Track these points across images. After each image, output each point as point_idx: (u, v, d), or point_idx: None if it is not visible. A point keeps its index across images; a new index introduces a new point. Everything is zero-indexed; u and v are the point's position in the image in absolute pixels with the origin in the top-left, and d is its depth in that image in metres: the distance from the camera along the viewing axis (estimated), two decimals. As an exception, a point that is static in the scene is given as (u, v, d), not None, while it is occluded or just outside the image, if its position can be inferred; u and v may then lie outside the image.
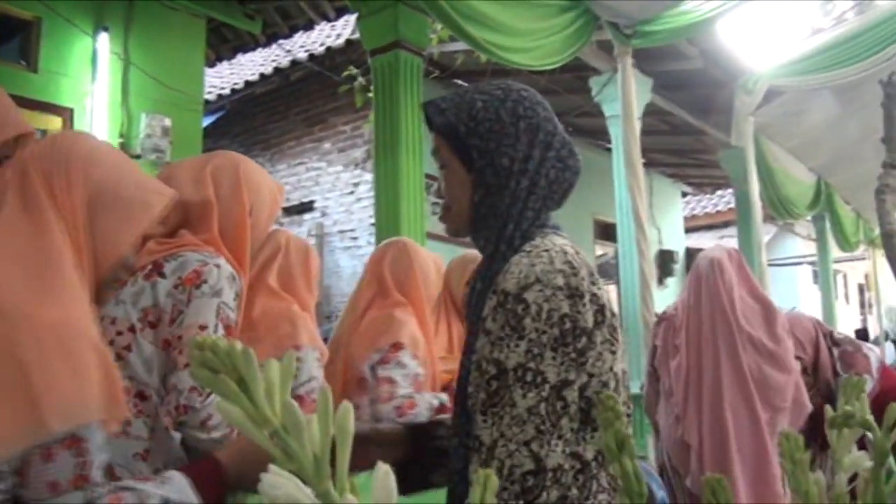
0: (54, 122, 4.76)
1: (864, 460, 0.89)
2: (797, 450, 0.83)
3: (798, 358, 3.24)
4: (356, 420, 1.80)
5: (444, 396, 2.83)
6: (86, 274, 1.52)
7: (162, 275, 1.81)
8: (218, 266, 1.88)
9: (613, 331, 1.42)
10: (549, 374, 1.33)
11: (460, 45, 6.60)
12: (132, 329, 1.75)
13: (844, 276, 18.77)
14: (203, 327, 1.79)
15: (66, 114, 4.81)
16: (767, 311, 3.34)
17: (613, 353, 1.41)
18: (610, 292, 1.52)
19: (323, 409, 0.50)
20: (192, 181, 2.05)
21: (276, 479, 0.48)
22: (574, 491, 1.35)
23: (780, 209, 8.00)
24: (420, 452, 1.67)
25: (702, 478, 0.74)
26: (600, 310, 1.40)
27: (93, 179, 1.55)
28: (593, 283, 1.41)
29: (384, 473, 0.50)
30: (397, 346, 2.88)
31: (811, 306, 11.98)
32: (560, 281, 1.36)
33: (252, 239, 2.11)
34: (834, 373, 3.30)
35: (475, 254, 3.12)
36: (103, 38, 4.94)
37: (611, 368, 1.40)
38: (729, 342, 3.23)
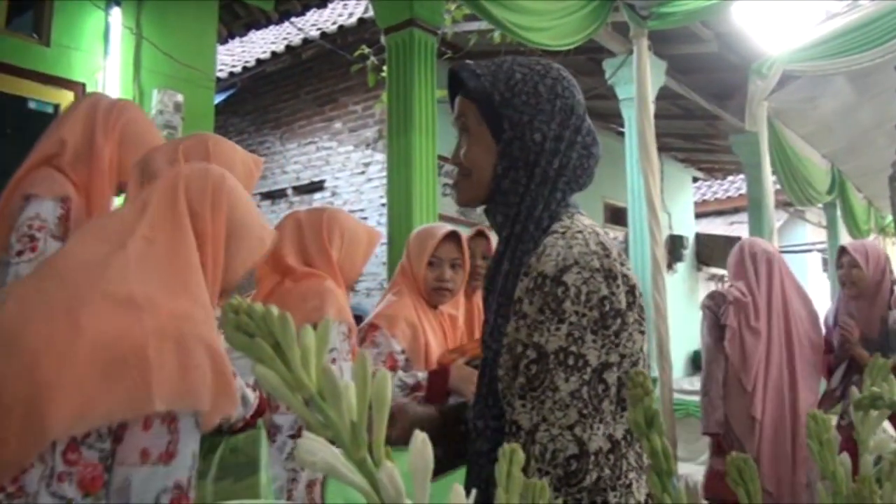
0: (66, 97, 4.75)
1: (889, 443, 0.88)
2: (824, 431, 0.82)
3: (857, 267, 4.09)
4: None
5: (422, 374, 2.79)
6: (213, 290, 1.77)
7: None
8: None
9: (641, 311, 1.42)
10: (590, 358, 1.32)
11: (473, 26, 6.57)
12: None
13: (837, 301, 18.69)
14: None
15: (78, 88, 4.80)
16: (809, 303, 4.26)
17: (642, 332, 1.41)
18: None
19: (361, 376, 0.50)
20: (166, 162, 2.19)
21: (313, 445, 0.47)
22: (607, 471, 1.34)
23: (798, 194, 7.95)
24: (449, 434, 1.67)
25: (731, 456, 0.74)
26: (631, 290, 1.39)
27: (235, 216, 1.81)
28: (623, 264, 1.40)
29: (421, 441, 0.50)
30: (374, 327, 2.87)
31: (820, 294, 11.96)
32: (596, 263, 1.35)
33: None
34: (888, 305, 3.99)
35: (432, 230, 3.07)
36: (116, 12, 4.92)
37: (641, 349, 1.40)
38: (799, 329, 4.08)
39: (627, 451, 1.37)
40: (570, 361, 1.31)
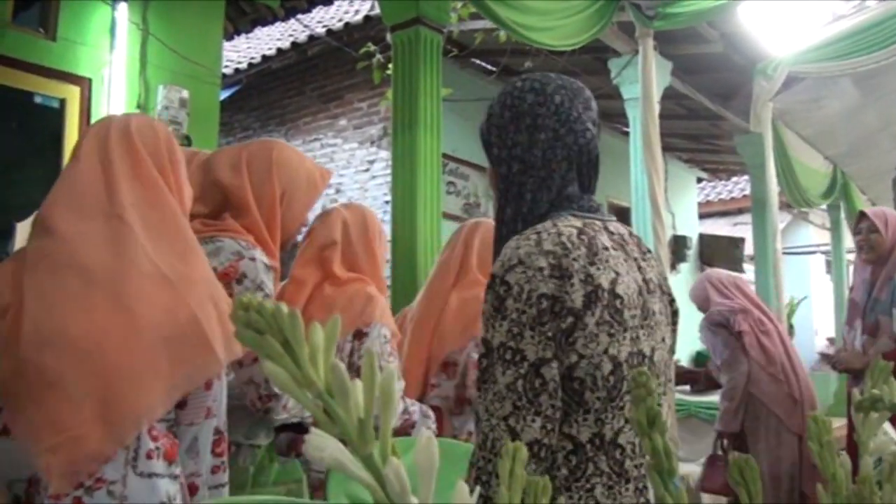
0: (72, 91, 4.76)
1: (889, 445, 0.89)
2: (825, 432, 0.82)
3: (877, 231, 4.18)
4: (443, 398, 1.92)
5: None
6: (276, 243, 2.18)
7: (243, 279, 2.09)
8: (253, 259, 2.11)
9: (616, 312, 1.43)
10: (527, 353, 1.37)
11: (479, 24, 6.57)
12: None
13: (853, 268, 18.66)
14: None
15: (84, 83, 4.80)
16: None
17: (612, 335, 1.42)
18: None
19: (368, 374, 0.50)
20: (229, 167, 2.27)
21: (322, 441, 0.48)
22: (564, 471, 1.40)
23: (796, 196, 7.96)
24: None
25: (735, 455, 0.75)
26: (594, 291, 1.41)
27: (283, 176, 2.20)
28: (591, 264, 1.42)
29: (427, 439, 0.50)
30: None
31: (823, 296, 11.94)
32: (543, 262, 1.40)
33: (288, 222, 2.33)
34: None
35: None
36: (122, 7, 4.92)
37: (605, 351, 1.41)
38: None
39: (596, 455, 1.40)
40: (508, 356, 1.37)
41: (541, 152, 1.56)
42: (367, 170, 8.37)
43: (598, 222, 1.54)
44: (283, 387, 0.50)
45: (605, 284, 1.42)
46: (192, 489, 1.61)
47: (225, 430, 1.71)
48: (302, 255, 2.72)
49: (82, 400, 1.46)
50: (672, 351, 1.65)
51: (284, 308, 0.51)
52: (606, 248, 1.47)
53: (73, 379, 1.47)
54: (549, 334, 1.38)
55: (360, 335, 2.57)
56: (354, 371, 2.36)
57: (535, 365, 1.37)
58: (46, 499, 1.45)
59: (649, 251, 1.66)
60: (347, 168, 8.55)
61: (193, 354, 1.58)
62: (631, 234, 1.63)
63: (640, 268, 1.54)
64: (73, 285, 1.54)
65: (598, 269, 1.43)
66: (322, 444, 0.48)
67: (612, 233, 1.54)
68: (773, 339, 4.56)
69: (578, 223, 1.50)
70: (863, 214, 4.37)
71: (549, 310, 1.38)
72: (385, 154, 7.87)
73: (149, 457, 1.51)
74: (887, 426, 0.91)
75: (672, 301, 1.66)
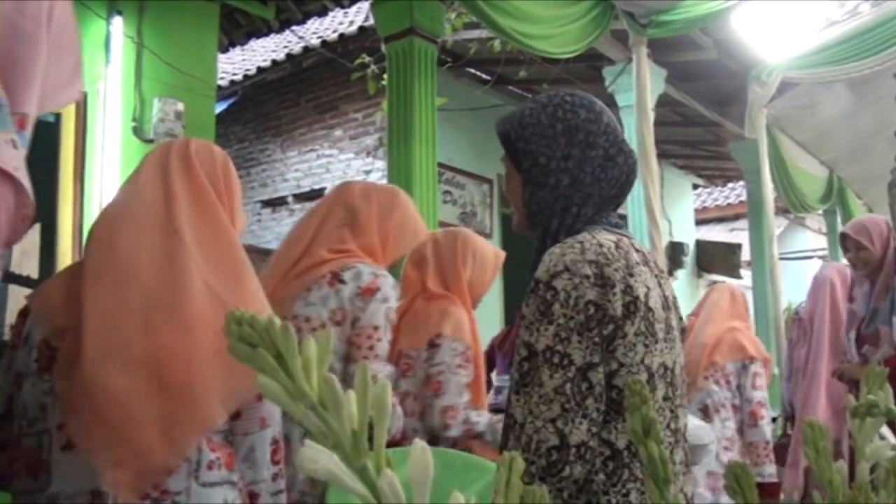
0: (67, 105, 4.76)
1: (885, 450, 0.89)
2: (820, 438, 0.82)
3: (864, 248, 4.14)
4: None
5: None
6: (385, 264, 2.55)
7: (342, 281, 2.36)
8: (385, 277, 2.45)
9: (650, 325, 1.50)
10: (575, 357, 1.41)
11: (474, 34, 6.59)
12: (323, 326, 2.28)
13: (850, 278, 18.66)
14: (376, 328, 2.34)
15: (80, 97, 4.80)
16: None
17: (647, 346, 1.49)
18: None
19: (361, 385, 0.51)
20: (360, 194, 2.67)
21: (315, 454, 0.48)
22: (601, 476, 1.44)
23: (793, 201, 7.97)
24: None
25: (730, 463, 0.75)
26: (633, 301, 1.48)
27: (400, 220, 2.63)
28: (630, 275, 1.49)
29: (421, 449, 0.50)
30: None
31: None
32: (588, 270, 1.46)
33: (394, 252, 2.72)
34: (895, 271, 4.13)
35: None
36: (117, 21, 4.92)
37: (642, 360, 1.48)
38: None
39: (632, 462, 1.45)
40: (556, 360, 1.42)
41: (591, 169, 1.62)
42: (363, 180, 8.37)
43: (625, 238, 1.61)
44: (276, 399, 0.50)
45: (641, 296, 1.49)
46: (254, 496, 1.68)
47: (281, 440, 1.77)
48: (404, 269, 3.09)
49: (145, 415, 1.53)
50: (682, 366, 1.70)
51: (277, 321, 0.51)
52: (637, 263, 1.54)
53: (136, 395, 1.53)
54: (596, 340, 1.43)
55: (432, 346, 2.84)
56: (425, 378, 2.80)
57: (582, 369, 1.42)
58: None
59: (663, 270, 1.72)
60: (343, 178, 8.53)
61: (244, 369, 1.59)
62: (649, 252, 1.70)
63: (660, 284, 1.61)
64: (135, 303, 1.60)
65: (635, 280, 1.50)
66: (316, 457, 0.48)
67: (637, 250, 1.61)
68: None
69: (613, 237, 1.56)
70: (844, 235, 4.35)
71: (595, 316, 1.43)
72: (381, 164, 7.87)
73: (209, 468, 1.60)
74: (885, 430, 0.91)
75: (681, 318, 1.72)
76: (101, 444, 1.53)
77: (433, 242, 3.11)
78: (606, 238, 1.54)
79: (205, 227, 1.74)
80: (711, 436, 3.79)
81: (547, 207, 1.62)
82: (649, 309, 1.50)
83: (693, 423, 3.96)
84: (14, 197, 1.30)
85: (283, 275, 2.47)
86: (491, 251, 3.20)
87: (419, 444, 0.51)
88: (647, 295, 1.51)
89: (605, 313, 1.44)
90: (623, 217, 7.38)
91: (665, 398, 1.54)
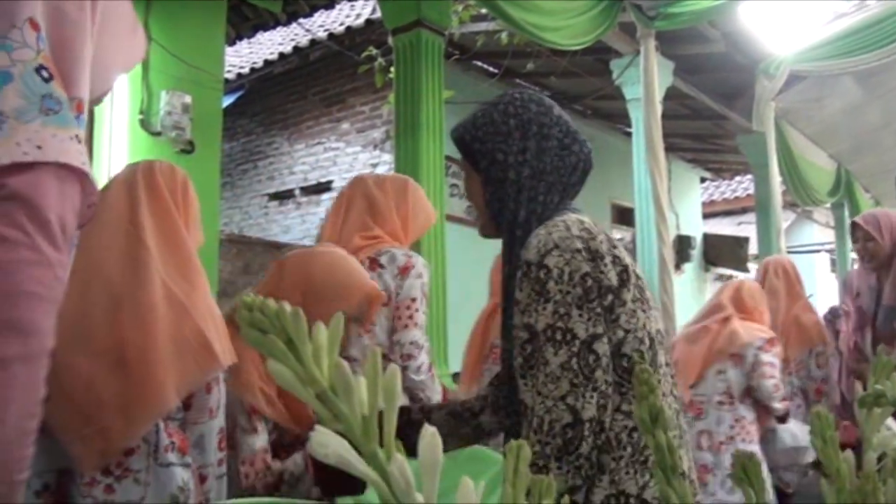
0: (75, 99, 4.76)
1: (893, 440, 0.89)
2: (827, 428, 0.82)
3: (873, 240, 4.12)
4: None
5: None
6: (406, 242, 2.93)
7: (381, 265, 2.68)
8: (417, 257, 2.79)
9: (642, 291, 1.53)
10: (577, 331, 1.42)
11: (481, 26, 6.58)
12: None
13: (855, 273, 18.60)
14: (413, 299, 2.68)
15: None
16: None
17: (644, 311, 1.51)
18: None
19: (371, 371, 0.51)
20: (375, 185, 2.97)
21: (325, 438, 0.48)
22: (629, 450, 1.44)
23: (802, 194, 7.95)
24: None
25: (736, 453, 0.75)
26: (624, 270, 1.50)
27: (415, 204, 3.01)
28: (614, 247, 1.52)
29: (430, 435, 0.51)
30: None
31: (829, 294, 11.92)
32: (578, 244, 1.47)
33: (411, 236, 2.99)
34: None
35: None
36: (126, 14, 4.93)
37: (644, 326, 1.50)
38: None
39: None
40: (558, 336, 1.42)
41: (549, 159, 1.64)
42: (370, 173, 8.36)
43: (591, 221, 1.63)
44: (287, 385, 0.50)
45: (630, 265, 1.52)
46: (203, 479, 1.90)
47: (225, 429, 1.99)
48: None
49: (107, 397, 1.72)
50: None
51: (287, 307, 0.52)
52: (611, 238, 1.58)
53: (99, 379, 1.72)
54: (598, 311, 1.44)
55: None
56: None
57: (586, 342, 1.41)
58: (81, 486, 1.71)
59: None
60: (350, 172, 8.55)
61: (198, 360, 1.84)
62: None
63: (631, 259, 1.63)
64: (101, 297, 1.79)
65: (619, 251, 1.53)
66: (326, 441, 0.49)
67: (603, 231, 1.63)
68: None
69: (586, 217, 1.59)
70: (855, 224, 4.31)
71: (592, 288, 1.44)
72: (388, 157, 7.87)
73: (166, 450, 1.79)
74: (891, 422, 0.92)
75: None
76: (68, 423, 1.69)
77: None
78: (581, 217, 1.58)
79: (164, 233, 1.95)
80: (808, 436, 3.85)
81: (511, 201, 1.63)
82: (638, 277, 1.54)
83: (796, 426, 4.04)
84: (81, 190, 1.36)
85: None
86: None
87: (429, 429, 0.51)
88: (632, 264, 1.54)
89: (601, 284, 1.45)
90: (630, 210, 7.42)
91: (666, 364, 1.57)
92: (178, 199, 2.04)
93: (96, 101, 1.56)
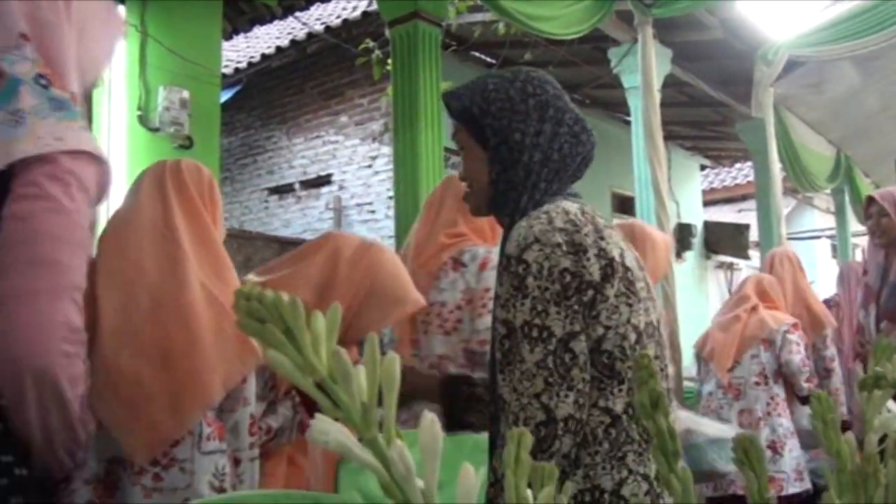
0: (73, 96, 4.76)
1: (894, 421, 0.89)
2: (828, 410, 0.83)
3: (887, 215, 4.17)
4: None
5: None
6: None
7: (464, 265, 2.63)
8: (496, 254, 2.64)
9: (630, 284, 1.48)
10: (554, 328, 1.40)
11: (478, 17, 6.56)
12: (459, 307, 2.55)
13: (863, 250, 18.62)
14: (487, 289, 2.56)
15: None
16: None
17: (630, 305, 1.47)
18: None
19: (370, 358, 0.51)
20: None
21: (326, 426, 0.49)
22: (605, 445, 1.43)
23: (801, 181, 7.94)
24: (450, 398, 1.95)
25: (738, 435, 0.76)
26: (609, 263, 1.46)
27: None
28: (601, 239, 1.47)
29: (430, 421, 0.51)
30: None
31: (830, 280, 11.90)
32: (559, 238, 1.44)
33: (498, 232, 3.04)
34: None
35: None
36: (121, 10, 4.92)
37: (628, 321, 1.46)
38: None
39: (629, 424, 1.44)
40: (535, 333, 1.40)
41: (558, 146, 1.59)
42: (369, 166, 8.37)
43: (587, 206, 1.59)
44: (286, 374, 0.50)
45: (616, 257, 1.47)
46: (237, 462, 2.01)
47: (257, 415, 2.10)
48: None
49: (155, 393, 1.81)
50: None
51: (285, 296, 0.52)
52: (605, 227, 1.53)
53: (147, 376, 1.81)
54: (575, 308, 1.41)
55: None
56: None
57: (563, 340, 1.39)
58: (131, 475, 1.80)
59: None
60: (350, 165, 8.55)
61: (238, 354, 1.93)
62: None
63: (628, 245, 1.59)
64: (143, 299, 1.88)
65: (607, 243, 1.48)
66: (326, 429, 0.49)
67: (598, 216, 1.58)
68: None
69: (576, 204, 1.55)
70: (871, 199, 4.32)
71: (571, 284, 1.41)
72: (387, 150, 7.87)
73: (208, 439, 1.90)
74: (891, 403, 0.92)
75: None
76: (118, 417, 1.80)
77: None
78: (570, 205, 1.53)
79: (196, 234, 2.03)
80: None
81: (519, 184, 1.59)
82: (626, 268, 1.48)
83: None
84: (99, 171, 1.55)
85: (415, 259, 2.76)
86: (660, 237, 3.62)
87: (428, 415, 0.52)
88: (621, 255, 1.49)
89: (581, 280, 1.42)
90: (630, 199, 7.41)
91: (655, 357, 1.53)
92: (206, 198, 2.13)
93: (88, 89, 1.70)
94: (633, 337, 1.45)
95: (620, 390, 1.43)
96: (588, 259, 1.43)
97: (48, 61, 1.46)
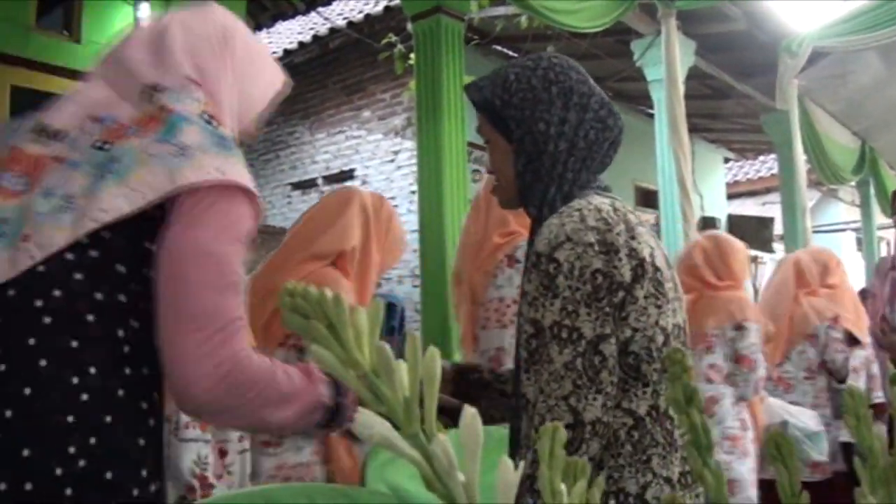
0: (99, 92, 4.78)
1: (925, 416, 0.89)
2: (860, 405, 0.83)
3: None
4: None
5: None
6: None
7: (517, 261, 2.68)
8: None
9: (659, 285, 1.44)
10: (584, 330, 1.36)
11: (500, 11, 6.56)
12: (515, 301, 2.47)
13: (889, 243, 18.45)
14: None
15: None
16: None
17: (659, 307, 1.43)
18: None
19: (412, 354, 0.52)
20: None
21: (370, 419, 0.49)
22: (628, 447, 1.40)
23: (826, 173, 7.88)
24: (465, 388, 1.85)
25: (768, 431, 0.75)
26: (640, 264, 1.42)
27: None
28: (632, 238, 1.43)
29: (471, 416, 0.52)
30: None
31: (854, 273, 11.82)
32: (591, 237, 1.39)
33: None
34: None
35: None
36: (144, 7, 4.95)
37: (656, 323, 1.43)
38: None
39: (653, 427, 1.41)
40: (564, 334, 1.36)
41: (584, 133, 1.54)
42: (392, 160, 8.39)
43: (617, 201, 1.54)
44: (330, 369, 0.51)
45: (647, 258, 1.43)
46: (223, 453, 2.06)
47: None
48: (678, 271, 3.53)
49: None
50: None
51: (329, 292, 0.53)
52: (636, 224, 1.48)
53: None
54: (606, 310, 1.37)
55: (739, 327, 3.63)
56: (732, 355, 3.63)
57: (593, 342, 1.36)
58: None
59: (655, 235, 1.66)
60: (372, 159, 8.58)
61: None
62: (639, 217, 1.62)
63: (657, 243, 1.54)
64: None
65: (639, 242, 1.44)
66: (370, 423, 0.50)
67: (630, 211, 1.54)
68: None
69: (607, 200, 1.50)
70: None
71: (602, 285, 1.37)
72: (410, 144, 7.88)
73: (186, 427, 1.95)
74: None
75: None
76: None
77: (700, 248, 3.95)
78: (602, 202, 1.48)
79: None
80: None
81: (546, 175, 1.54)
82: (657, 269, 1.44)
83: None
84: (252, 207, 1.59)
85: (472, 261, 2.88)
86: (740, 246, 3.96)
87: (469, 410, 0.52)
88: (651, 255, 1.45)
89: (612, 280, 1.38)
90: (654, 192, 7.38)
91: None
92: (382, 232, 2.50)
93: (244, 132, 1.79)
94: (660, 339, 1.42)
95: (644, 392, 1.40)
96: (620, 259, 1.40)
97: (213, 104, 1.55)
